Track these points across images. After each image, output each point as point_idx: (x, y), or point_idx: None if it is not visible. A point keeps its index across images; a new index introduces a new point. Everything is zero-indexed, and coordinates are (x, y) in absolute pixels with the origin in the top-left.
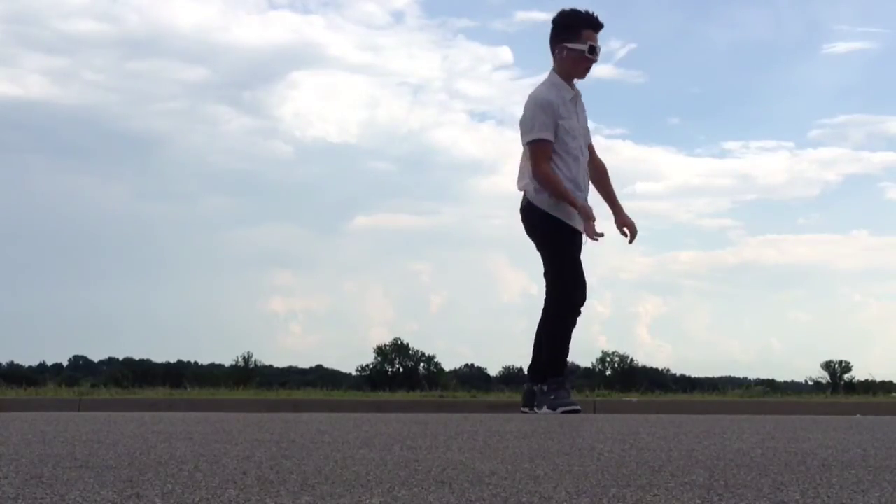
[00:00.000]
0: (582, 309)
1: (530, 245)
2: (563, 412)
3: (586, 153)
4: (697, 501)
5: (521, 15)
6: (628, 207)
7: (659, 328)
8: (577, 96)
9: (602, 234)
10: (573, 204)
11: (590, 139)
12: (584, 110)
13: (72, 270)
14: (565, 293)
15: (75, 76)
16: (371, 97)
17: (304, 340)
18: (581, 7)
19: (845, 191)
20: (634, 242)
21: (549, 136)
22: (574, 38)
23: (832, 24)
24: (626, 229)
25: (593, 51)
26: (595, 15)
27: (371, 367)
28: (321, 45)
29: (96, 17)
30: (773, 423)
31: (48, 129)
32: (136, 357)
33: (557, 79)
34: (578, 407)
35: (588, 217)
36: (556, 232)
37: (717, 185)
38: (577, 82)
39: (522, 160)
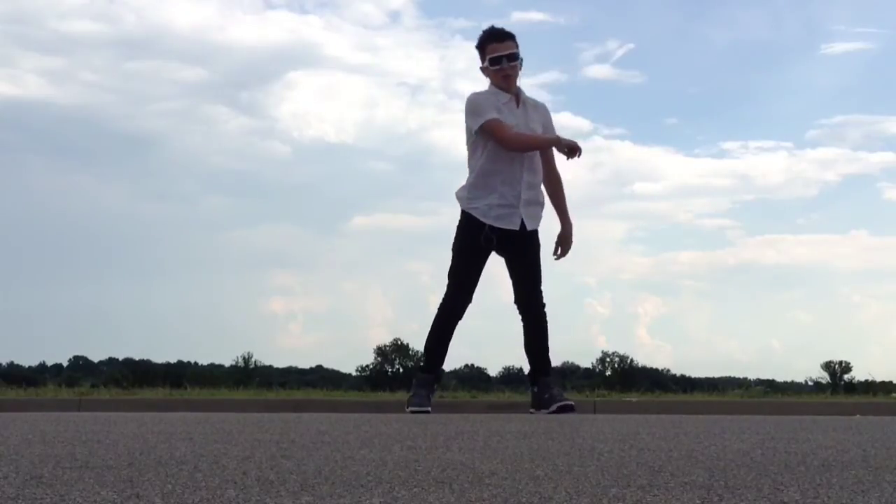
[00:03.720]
0: (464, 314)
1: None
2: (411, 412)
3: (533, 155)
4: (697, 501)
5: (518, 15)
6: (627, 207)
7: (659, 328)
8: (515, 101)
9: (579, 150)
10: (547, 142)
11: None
12: (535, 115)
13: (72, 270)
14: (450, 294)
15: (73, 76)
16: (369, 97)
17: (304, 340)
18: (498, 24)
19: (844, 191)
20: (568, 256)
21: (494, 115)
22: (482, 57)
23: (830, 24)
24: (560, 245)
25: (494, 61)
26: (492, 27)
27: (371, 367)
28: (318, 45)
29: (93, 17)
30: (773, 423)
31: (46, 130)
32: (136, 357)
33: (492, 87)
34: (427, 409)
35: (568, 145)
36: (463, 227)
37: (715, 185)
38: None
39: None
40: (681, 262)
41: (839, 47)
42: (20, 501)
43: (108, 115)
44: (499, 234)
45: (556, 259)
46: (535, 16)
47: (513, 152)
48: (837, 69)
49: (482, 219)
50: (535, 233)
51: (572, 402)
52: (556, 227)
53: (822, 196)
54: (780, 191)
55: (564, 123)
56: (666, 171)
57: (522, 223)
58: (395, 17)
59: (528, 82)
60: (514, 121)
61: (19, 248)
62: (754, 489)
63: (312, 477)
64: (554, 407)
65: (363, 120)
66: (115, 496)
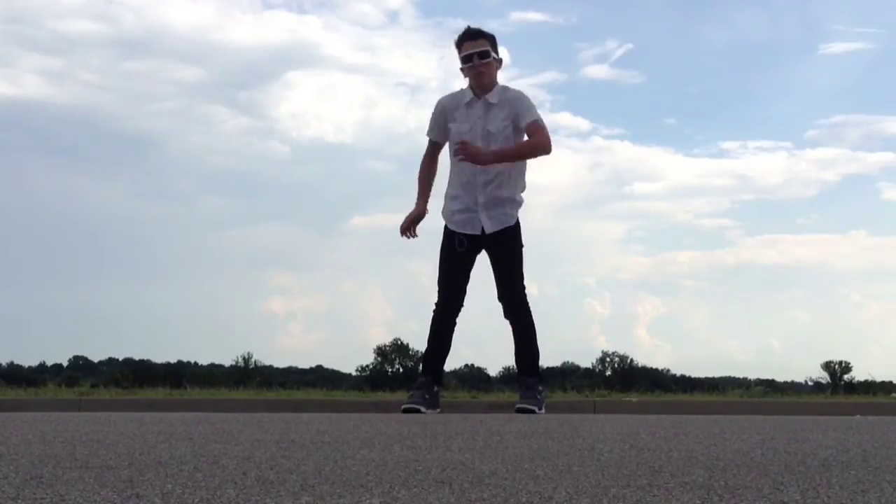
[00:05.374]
0: (457, 317)
1: (528, 246)
2: (402, 410)
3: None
4: (697, 501)
5: (517, 15)
6: (626, 207)
7: (658, 328)
8: (478, 101)
9: (414, 236)
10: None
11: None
12: (501, 112)
13: (71, 270)
14: (438, 298)
15: (71, 76)
16: (368, 97)
17: (303, 340)
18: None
19: (843, 191)
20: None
21: (431, 135)
22: (459, 58)
23: (829, 24)
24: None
25: (465, 59)
26: (467, 27)
27: (371, 367)
28: (317, 45)
29: (92, 17)
30: (773, 423)
31: (44, 130)
32: (136, 357)
33: (465, 87)
34: (417, 408)
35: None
36: (443, 233)
37: (715, 185)
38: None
39: None
40: (680, 262)
41: (838, 47)
42: (20, 501)
43: (106, 115)
44: (470, 238)
45: (458, 155)
46: (534, 16)
47: (457, 159)
48: (836, 69)
49: (449, 225)
50: (503, 233)
51: (532, 407)
52: (538, 222)
53: (821, 196)
54: (779, 191)
55: (564, 123)
56: (665, 171)
57: (483, 227)
58: (393, 17)
59: (528, 82)
60: (466, 124)
61: (19, 249)
62: (754, 489)
63: (312, 477)
64: (515, 407)
65: (362, 120)
66: (115, 496)
